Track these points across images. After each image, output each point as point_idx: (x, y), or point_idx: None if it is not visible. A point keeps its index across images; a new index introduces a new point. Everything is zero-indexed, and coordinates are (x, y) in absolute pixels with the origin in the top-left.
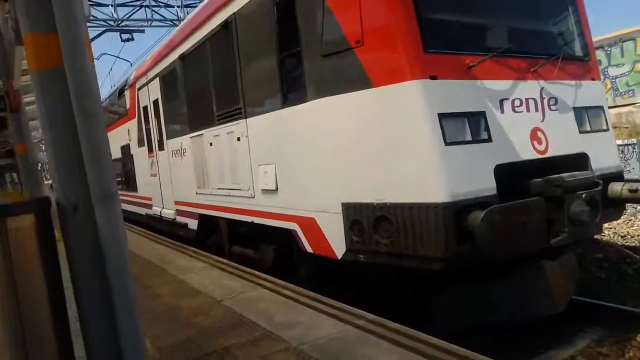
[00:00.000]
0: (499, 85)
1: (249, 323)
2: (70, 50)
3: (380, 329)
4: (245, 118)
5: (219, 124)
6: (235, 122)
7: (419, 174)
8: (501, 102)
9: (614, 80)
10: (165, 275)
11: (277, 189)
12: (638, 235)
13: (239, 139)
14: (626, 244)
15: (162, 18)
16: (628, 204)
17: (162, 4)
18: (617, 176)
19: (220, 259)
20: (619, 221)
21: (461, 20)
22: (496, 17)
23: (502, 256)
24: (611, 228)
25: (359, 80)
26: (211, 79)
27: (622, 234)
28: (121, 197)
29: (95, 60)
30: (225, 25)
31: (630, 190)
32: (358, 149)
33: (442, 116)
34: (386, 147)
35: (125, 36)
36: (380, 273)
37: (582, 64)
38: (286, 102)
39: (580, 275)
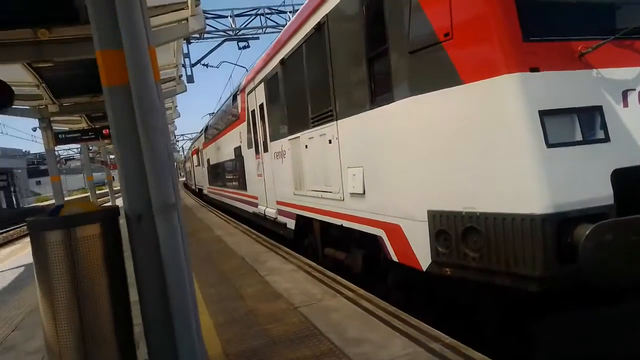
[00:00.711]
0: (622, 73)
1: (319, 335)
2: (134, 68)
3: (457, 357)
4: (336, 120)
5: (313, 127)
6: (327, 124)
7: (515, 181)
8: (624, 93)
9: None
10: (253, 276)
11: (364, 193)
12: None
13: (330, 141)
14: None
15: (275, 24)
16: None
17: (275, 11)
18: None
19: (308, 261)
20: None
21: None
22: None
23: (614, 284)
24: None
25: (448, 77)
26: (306, 81)
27: None
28: (233, 195)
29: (215, 68)
30: (318, 27)
31: None
32: (446, 152)
33: (543, 114)
34: (477, 149)
35: (241, 44)
36: (470, 289)
37: None
38: (374, 102)
39: None
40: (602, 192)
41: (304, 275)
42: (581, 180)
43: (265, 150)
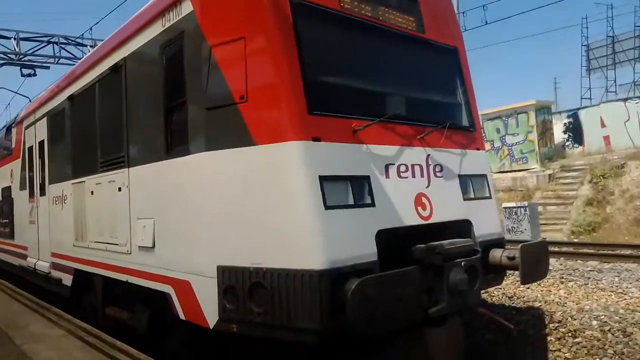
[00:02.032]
0: (385, 150)
1: None
2: None
3: None
4: (128, 167)
5: (102, 172)
6: (118, 170)
7: (296, 238)
8: (387, 167)
9: (510, 148)
10: (6, 345)
11: (154, 246)
12: (524, 297)
13: (120, 189)
14: (512, 304)
15: (72, 56)
16: None
17: (72, 42)
18: (499, 243)
19: (82, 324)
20: (507, 282)
21: (349, 84)
22: (385, 84)
23: (376, 334)
24: (501, 289)
25: (241, 137)
26: (97, 123)
27: (510, 295)
28: None
29: None
30: (115, 68)
31: (509, 258)
32: (236, 208)
33: (323, 179)
34: (264, 208)
35: (26, 71)
36: (257, 347)
37: (468, 134)
38: (169, 153)
39: (471, 339)
40: (368, 250)
41: (74, 341)
42: (352, 239)
43: (43, 193)
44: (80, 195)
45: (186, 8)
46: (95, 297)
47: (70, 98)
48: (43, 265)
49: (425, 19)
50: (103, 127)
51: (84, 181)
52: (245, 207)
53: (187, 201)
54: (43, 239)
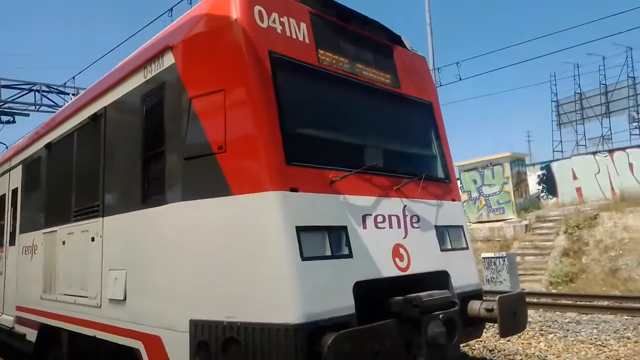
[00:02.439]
0: (362, 200)
1: None
2: None
3: None
4: (102, 216)
5: (75, 221)
6: (92, 220)
7: (272, 291)
8: (364, 217)
9: (487, 198)
10: None
11: (125, 299)
12: (505, 350)
13: (93, 239)
14: (493, 358)
15: (53, 104)
16: None
17: (55, 90)
18: (477, 294)
19: None
20: (488, 334)
21: (327, 136)
22: (362, 136)
23: None
24: (481, 342)
25: (218, 187)
26: (74, 171)
27: (490, 348)
28: None
29: None
30: (95, 117)
31: (487, 310)
32: (211, 259)
33: (300, 229)
34: (240, 259)
35: (5, 118)
36: None
37: (444, 185)
38: (145, 202)
39: None
40: (346, 302)
41: None
42: (330, 291)
43: (12, 243)
44: (51, 245)
45: (168, 60)
46: (60, 354)
47: (48, 146)
48: (7, 320)
49: (401, 74)
50: (79, 176)
51: (56, 231)
52: (220, 258)
53: (160, 251)
54: (9, 292)
